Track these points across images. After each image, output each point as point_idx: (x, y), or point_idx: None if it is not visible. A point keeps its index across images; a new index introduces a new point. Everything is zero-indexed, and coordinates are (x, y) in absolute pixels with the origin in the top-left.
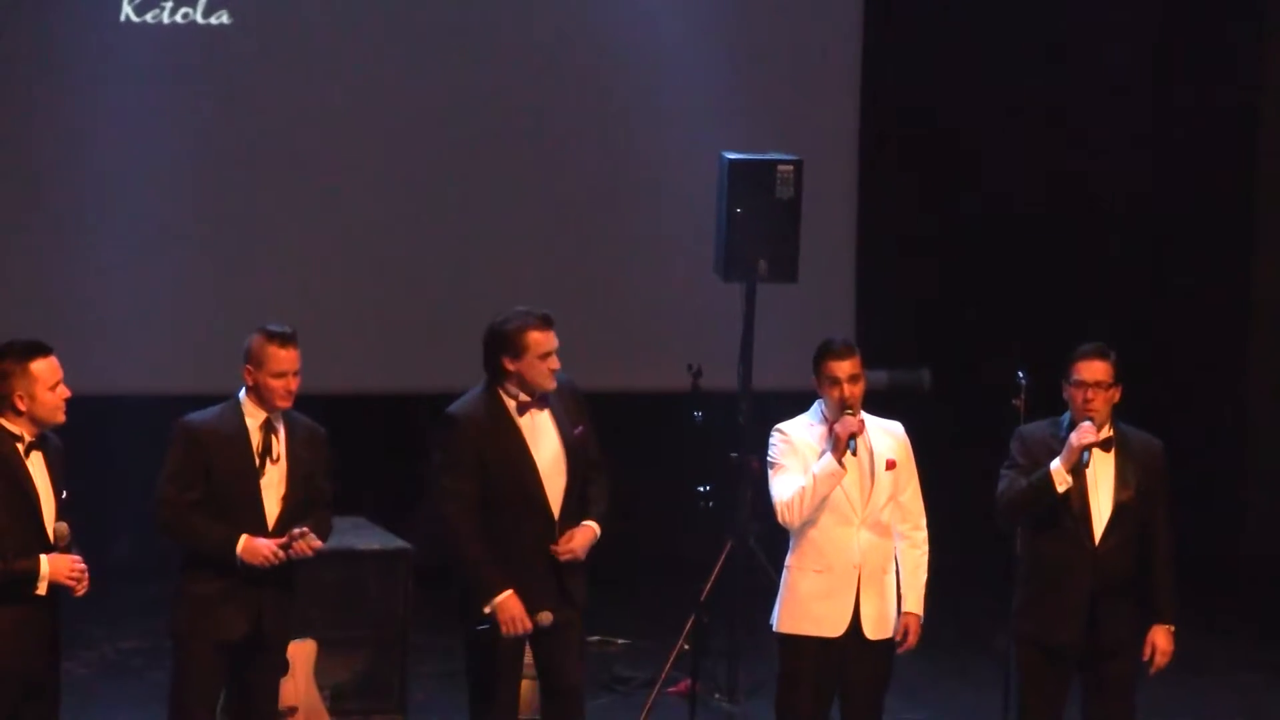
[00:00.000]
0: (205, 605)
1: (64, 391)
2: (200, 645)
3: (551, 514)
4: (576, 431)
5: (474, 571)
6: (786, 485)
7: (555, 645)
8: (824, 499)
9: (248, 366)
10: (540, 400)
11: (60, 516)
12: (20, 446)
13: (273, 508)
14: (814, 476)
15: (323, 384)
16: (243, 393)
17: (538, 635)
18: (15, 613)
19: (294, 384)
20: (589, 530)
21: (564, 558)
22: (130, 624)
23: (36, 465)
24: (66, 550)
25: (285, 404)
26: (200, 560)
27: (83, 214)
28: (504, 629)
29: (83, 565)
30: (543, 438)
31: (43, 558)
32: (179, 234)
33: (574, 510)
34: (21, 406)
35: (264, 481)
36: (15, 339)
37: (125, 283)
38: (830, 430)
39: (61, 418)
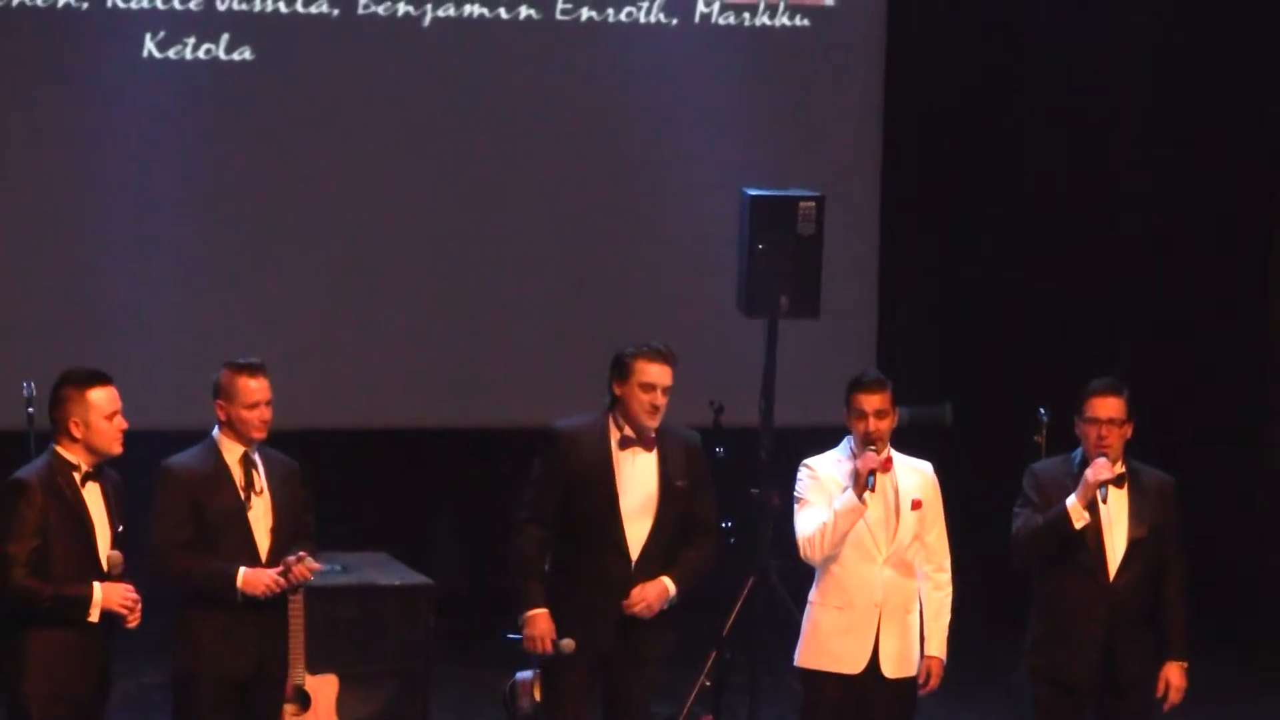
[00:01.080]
0: (208, 644)
1: (121, 423)
2: (205, 685)
3: (629, 555)
4: (679, 484)
5: (518, 582)
6: (809, 521)
7: (618, 694)
8: (845, 535)
9: (219, 401)
10: (648, 441)
11: (117, 548)
12: (77, 475)
13: (263, 540)
14: (834, 512)
15: (344, 419)
16: (216, 430)
17: (614, 664)
18: (66, 638)
19: (267, 414)
20: (662, 587)
21: (629, 612)
22: (152, 658)
23: (93, 495)
24: (120, 580)
25: (260, 435)
26: (197, 599)
27: (98, 249)
28: (526, 644)
29: (135, 595)
30: (638, 476)
31: (95, 585)
32: (196, 269)
33: (657, 560)
34: (77, 434)
35: (251, 515)
36: (77, 367)
37: (137, 317)
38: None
39: (117, 448)
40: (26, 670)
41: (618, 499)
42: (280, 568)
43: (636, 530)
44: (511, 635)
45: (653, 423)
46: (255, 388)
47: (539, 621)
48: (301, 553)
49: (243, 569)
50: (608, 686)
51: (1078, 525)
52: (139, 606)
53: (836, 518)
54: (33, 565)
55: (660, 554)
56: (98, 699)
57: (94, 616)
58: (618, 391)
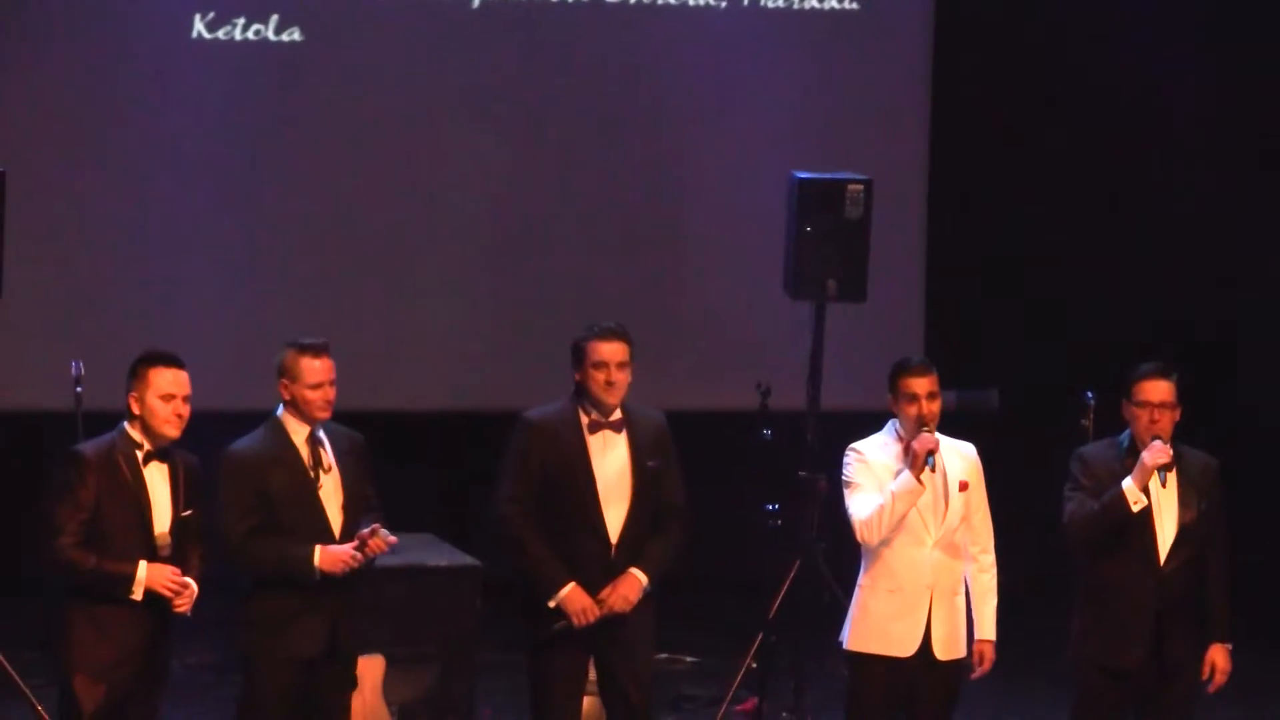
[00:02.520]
0: (278, 624)
1: (180, 407)
2: (273, 664)
3: (608, 537)
4: (650, 464)
5: (535, 570)
6: (864, 504)
7: (621, 666)
8: (903, 517)
9: (283, 381)
10: (617, 425)
11: (178, 531)
12: (139, 454)
13: (335, 517)
14: (892, 494)
15: (388, 401)
16: (280, 409)
17: (602, 655)
18: (108, 617)
19: (331, 394)
20: (634, 581)
21: (605, 611)
22: (199, 639)
23: (156, 476)
24: (170, 563)
25: (325, 415)
26: (268, 580)
27: (148, 229)
28: (575, 621)
29: (183, 580)
30: (611, 460)
31: (142, 564)
32: (248, 251)
33: (636, 541)
34: (135, 410)
35: (323, 493)
36: (158, 348)
37: (190, 299)
38: (907, 448)
39: (171, 431)
40: (69, 648)
41: (595, 483)
42: (355, 543)
43: (614, 514)
44: (558, 624)
45: (610, 398)
46: (319, 367)
47: (575, 596)
48: (375, 525)
49: (319, 548)
50: (601, 674)
51: (1135, 508)
52: (188, 591)
53: (894, 499)
54: (80, 537)
55: (639, 535)
56: (146, 682)
57: (137, 595)
58: (578, 377)
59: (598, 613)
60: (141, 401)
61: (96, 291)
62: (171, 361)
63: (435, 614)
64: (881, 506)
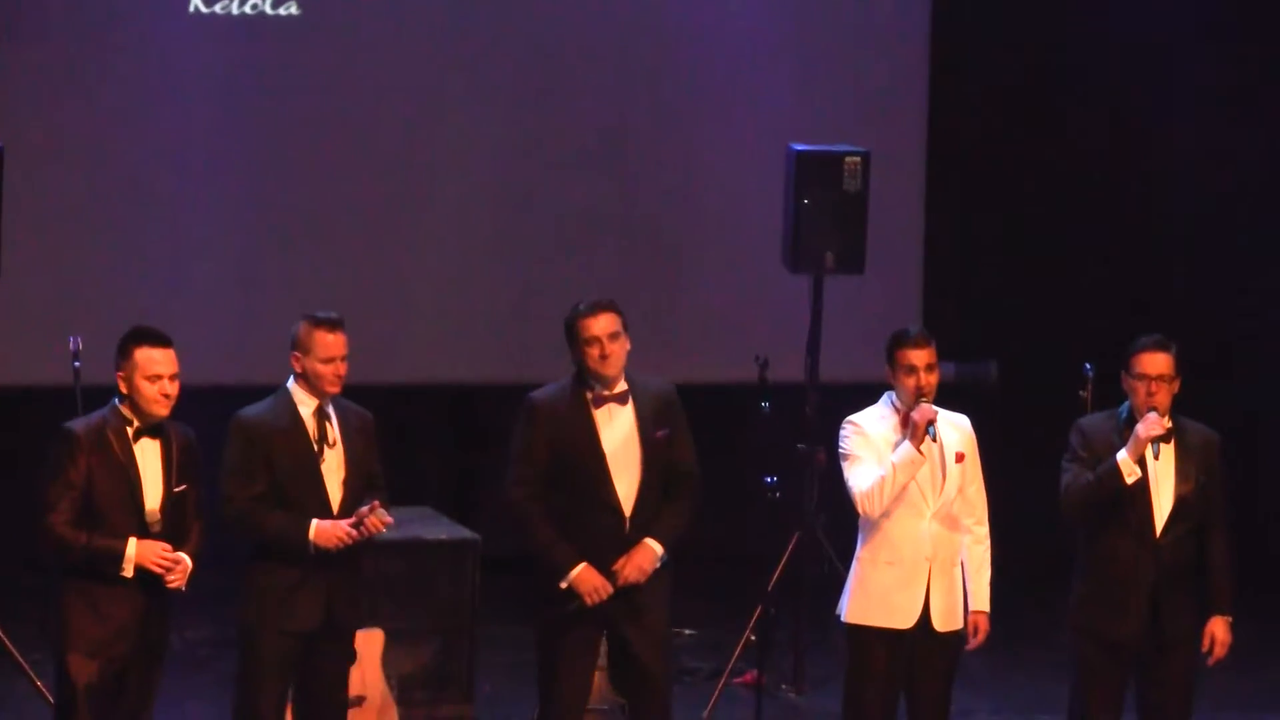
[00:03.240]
0: (276, 596)
1: (166, 387)
2: (270, 637)
3: (621, 510)
4: (658, 434)
5: (546, 552)
6: (864, 475)
7: (637, 636)
8: (904, 488)
9: (295, 353)
10: (621, 397)
11: (172, 507)
12: (130, 430)
13: (336, 492)
14: (893, 465)
15: (389, 374)
16: (291, 381)
17: (617, 626)
18: (99, 594)
19: (343, 369)
20: (648, 551)
21: (621, 583)
22: (196, 614)
23: (148, 452)
24: (170, 539)
25: (335, 389)
26: (268, 552)
27: (146, 205)
28: (587, 600)
29: (174, 555)
30: (618, 432)
31: (131, 540)
32: (244, 226)
33: (649, 511)
34: (123, 389)
35: (325, 467)
36: (142, 325)
37: (187, 274)
38: (905, 419)
39: (159, 410)
40: (63, 626)
41: (604, 457)
42: (353, 519)
43: (625, 485)
44: (572, 605)
45: (608, 370)
46: (332, 341)
47: (587, 575)
48: (375, 503)
49: (315, 522)
50: (614, 645)
51: (1129, 480)
52: (180, 567)
53: (895, 470)
54: (71, 515)
55: (651, 506)
56: (143, 657)
57: (127, 572)
58: (575, 357)
59: (610, 590)
60: (129, 381)
61: (95, 266)
62: (157, 340)
63: (434, 588)
64: (882, 478)
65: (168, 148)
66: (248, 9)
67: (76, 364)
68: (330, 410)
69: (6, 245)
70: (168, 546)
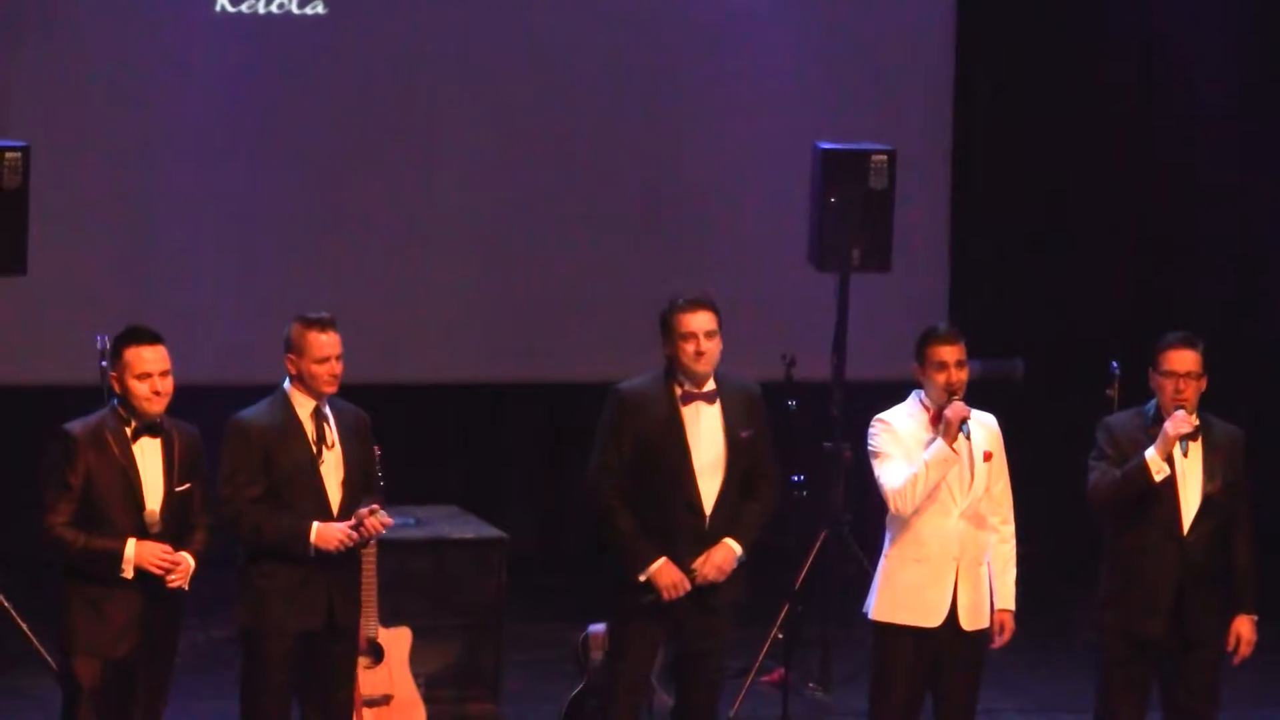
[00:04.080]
0: (275, 597)
1: (156, 385)
2: (272, 638)
3: (703, 509)
4: (744, 435)
5: (626, 544)
6: (896, 473)
7: (699, 634)
8: (936, 485)
9: (290, 355)
10: (709, 395)
11: (175, 506)
12: (129, 430)
13: (335, 493)
14: (925, 463)
15: (418, 374)
16: (287, 383)
17: (685, 620)
18: (100, 595)
19: (338, 368)
20: (728, 551)
21: (699, 581)
22: (223, 612)
23: (147, 452)
24: (172, 538)
25: (331, 389)
26: (267, 554)
27: (175, 202)
28: (665, 595)
29: (176, 556)
30: (705, 431)
31: (130, 541)
32: (272, 223)
33: (730, 512)
34: (117, 390)
35: (323, 469)
36: (133, 324)
37: (212, 272)
38: (935, 416)
39: (153, 408)
40: (67, 628)
41: (689, 454)
42: (353, 521)
43: (709, 485)
44: (648, 597)
45: (702, 368)
46: (325, 342)
47: (666, 570)
48: (374, 505)
49: (316, 524)
50: (680, 641)
51: (1157, 478)
52: (181, 568)
53: (928, 468)
54: (70, 516)
55: (731, 507)
56: (149, 657)
57: (127, 573)
58: (668, 350)
59: (688, 587)
60: (121, 382)
61: (121, 266)
62: (146, 338)
63: (461, 586)
64: (915, 475)
65: (194, 147)
66: (274, 8)
67: (104, 363)
68: (328, 411)
69: (34, 244)
70: (168, 548)
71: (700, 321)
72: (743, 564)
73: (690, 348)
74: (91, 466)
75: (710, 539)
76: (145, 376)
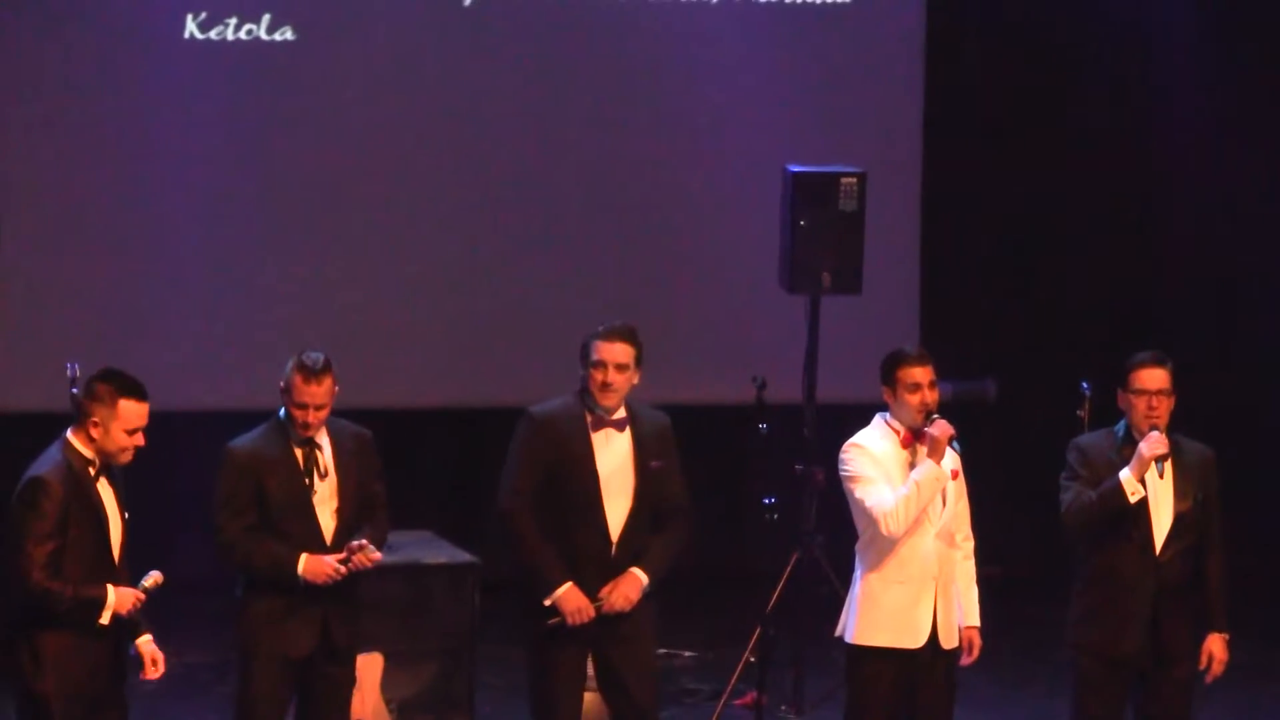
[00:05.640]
0: (271, 620)
1: (139, 440)
2: (267, 661)
3: (609, 534)
4: (654, 464)
5: (534, 565)
6: (882, 496)
7: (623, 662)
8: (926, 505)
9: (281, 390)
10: (620, 423)
11: (126, 537)
12: (92, 470)
13: (328, 523)
14: (916, 483)
15: (389, 399)
16: (283, 411)
17: (603, 652)
18: (79, 638)
19: (313, 417)
20: (635, 581)
21: (606, 610)
22: (197, 638)
23: (105, 489)
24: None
25: (306, 434)
26: (258, 578)
27: (143, 230)
28: (570, 620)
29: (144, 599)
30: (613, 457)
31: (109, 588)
32: (242, 250)
33: (637, 540)
34: (94, 434)
35: (315, 499)
36: (122, 371)
37: (183, 298)
38: (911, 437)
39: (126, 459)
40: (44, 670)
41: (598, 479)
42: (343, 554)
43: (616, 511)
44: (554, 620)
45: (605, 400)
46: (307, 391)
47: (571, 596)
48: (363, 540)
49: (304, 557)
50: (602, 671)
51: (1133, 499)
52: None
53: (919, 488)
54: (53, 566)
55: (639, 535)
56: (114, 692)
57: (105, 619)
58: (582, 374)
59: (593, 614)
60: (104, 428)
61: (92, 292)
62: (142, 394)
63: (434, 611)
64: (906, 496)
65: (165, 173)
66: (243, 34)
67: (74, 390)
68: (321, 440)
69: (3, 270)
70: (140, 593)
71: (613, 353)
72: (649, 595)
73: (599, 376)
74: (70, 511)
75: (617, 566)
76: (134, 431)
